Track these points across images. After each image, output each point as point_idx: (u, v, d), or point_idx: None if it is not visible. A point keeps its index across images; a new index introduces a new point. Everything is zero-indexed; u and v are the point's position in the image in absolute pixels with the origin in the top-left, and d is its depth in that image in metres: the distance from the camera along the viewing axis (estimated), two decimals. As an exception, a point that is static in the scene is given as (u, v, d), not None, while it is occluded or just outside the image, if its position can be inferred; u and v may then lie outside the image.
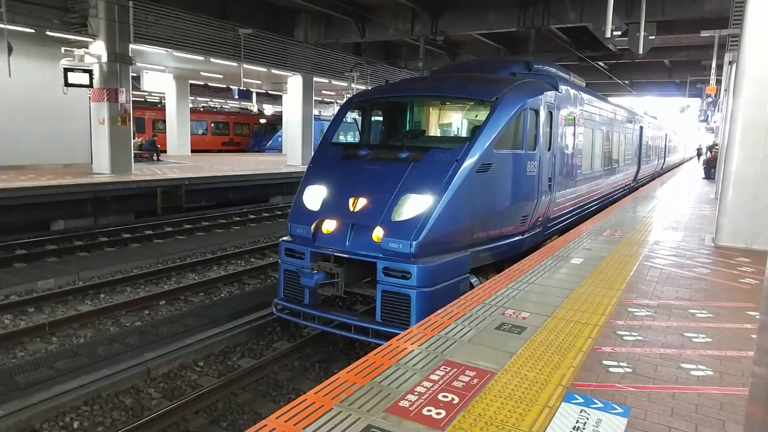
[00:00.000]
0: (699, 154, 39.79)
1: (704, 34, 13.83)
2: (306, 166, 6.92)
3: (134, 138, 18.20)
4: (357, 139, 8.03)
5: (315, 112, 24.19)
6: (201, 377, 5.66)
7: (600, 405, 2.94)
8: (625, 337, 3.95)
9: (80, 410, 4.85)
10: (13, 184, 11.95)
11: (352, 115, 7.86)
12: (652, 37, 8.55)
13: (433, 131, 8.08)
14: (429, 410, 2.80)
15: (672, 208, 11.42)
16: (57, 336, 6.56)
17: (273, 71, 20.24)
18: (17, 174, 14.05)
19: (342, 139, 7.75)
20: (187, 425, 4.74)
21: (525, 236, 7.27)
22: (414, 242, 5.49)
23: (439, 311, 4.39)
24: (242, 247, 11.65)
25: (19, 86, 14.97)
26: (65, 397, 4.87)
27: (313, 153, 7.45)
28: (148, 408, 4.98)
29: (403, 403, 2.87)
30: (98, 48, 14.52)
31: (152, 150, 21.59)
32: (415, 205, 5.73)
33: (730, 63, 14.69)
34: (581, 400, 2.98)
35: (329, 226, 6.04)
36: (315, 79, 22.07)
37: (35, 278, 8.50)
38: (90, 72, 14.19)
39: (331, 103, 38.36)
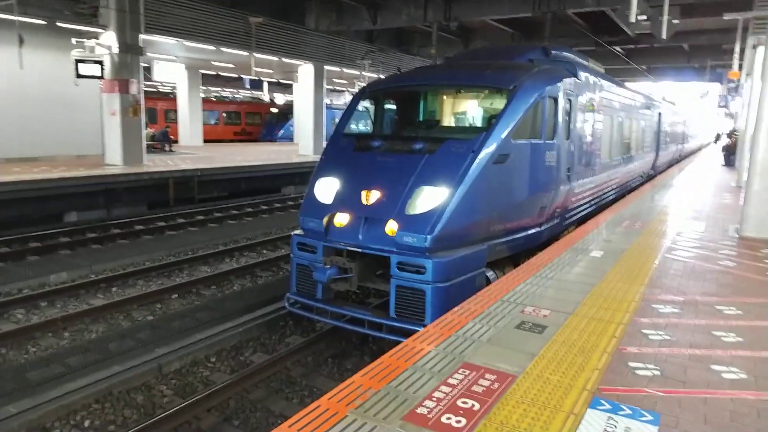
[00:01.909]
0: (717, 140, 38.83)
1: (728, 17, 13.33)
2: (318, 156, 6.78)
3: (146, 129, 18.17)
4: (370, 130, 7.86)
5: (326, 100, 23.97)
6: (213, 373, 5.59)
7: (628, 411, 2.79)
8: (651, 337, 3.78)
9: (91, 408, 4.79)
10: (27, 176, 11.97)
11: (365, 105, 7.68)
12: (676, 21, 8.23)
13: (449, 121, 7.88)
14: (448, 418, 2.67)
15: (692, 197, 11.13)
16: (69, 331, 6.52)
17: (284, 60, 20.05)
18: (30, 166, 14.09)
19: (354, 129, 7.57)
20: (199, 424, 4.67)
21: (542, 228, 7.08)
22: (429, 236, 5.34)
23: (455, 309, 4.25)
24: (254, 238, 11.58)
25: (31, 78, 14.97)
26: (76, 395, 4.82)
27: (324, 143, 7.29)
28: (160, 406, 4.91)
29: (421, 410, 2.74)
30: (109, 39, 14.42)
31: (164, 141, 21.57)
32: (429, 197, 5.57)
33: (754, 47, 14.21)
34: (608, 407, 2.83)
35: (342, 219, 5.91)
36: (326, 67, 21.84)
37: (48, 272, 8.50)
38: (101, 63, 14.12)
39: (343, 91, 38.08)
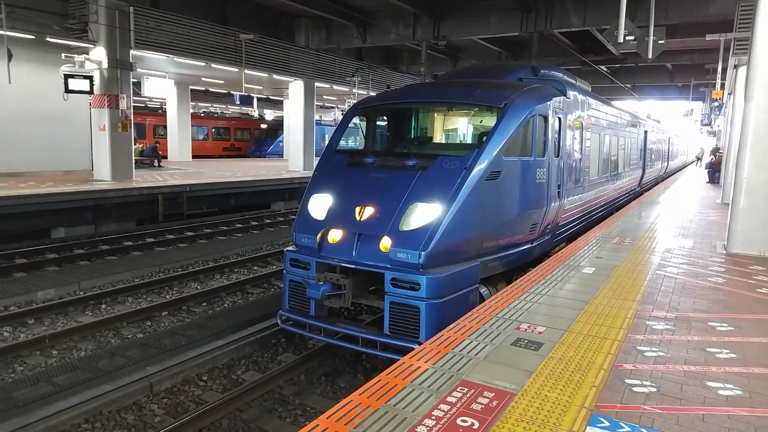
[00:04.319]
0: (699, 159, 39.29)
1: (710, 37, 13.70)
2: (308, 172, 6.81)
3: (135, 144, 18.09)
4: (362, 146, 7.91)
5: (316, 117, 24.05)
6: (205, 392, 5.52)
7: (627, 429, 2.79)
8: (646, 353, 3.81)
9: (81, 428, 4.71)
10: (13, 191, 11.83)
11: (357, 122, 7.73)
12: (662, 42, 8.42)
13: (440, 138, 7.95)
14: (448, 436, 2.66)
15: (678, 214, 11.28)
16: (57, 349, 6.42)
17: (274, 77, 20.14)
18: (17, 181, 13.93)
19: (346, 145, 7.60)
20: (191, 443, 4.59)
21: (534, 244, 7.13)
22: (423, 252, 5.35)
23: (451, 326, 4.25)
24: (245, 254, 11.52)
25: (19, 93, 14.88)
26: (65, 415, 4.73)
27: (314, 159, 7.31)
28: (151, 425, 4.83)
29: (421, 429, 2.72)
30: (99, 54, 14.41)
31: (153, 156, 21.47)
32: (423, 214, 5.60)
33: (735, 67, 14.58)
34: (607, 424, 2.84)
35: (335, 235, 5.90)
36: (316, 84, 21.97)
37: (35, 288, 8.37)
38: (90, 78, 14.09)
39: (332, 108, 38.26)
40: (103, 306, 7.97)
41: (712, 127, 26.03)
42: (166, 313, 7.75)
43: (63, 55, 14.13)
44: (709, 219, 10.80)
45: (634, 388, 3.26)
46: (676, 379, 3.41)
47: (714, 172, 20.59)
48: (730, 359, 3.77)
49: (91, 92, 14.27)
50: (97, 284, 8.96)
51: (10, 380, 5.58)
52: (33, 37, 13.53)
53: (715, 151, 23.43)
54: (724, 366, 3.65)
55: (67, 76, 13.78)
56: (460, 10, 17.99)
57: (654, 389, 3.26)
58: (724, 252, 7.46)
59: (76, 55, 14.20)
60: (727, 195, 12.63)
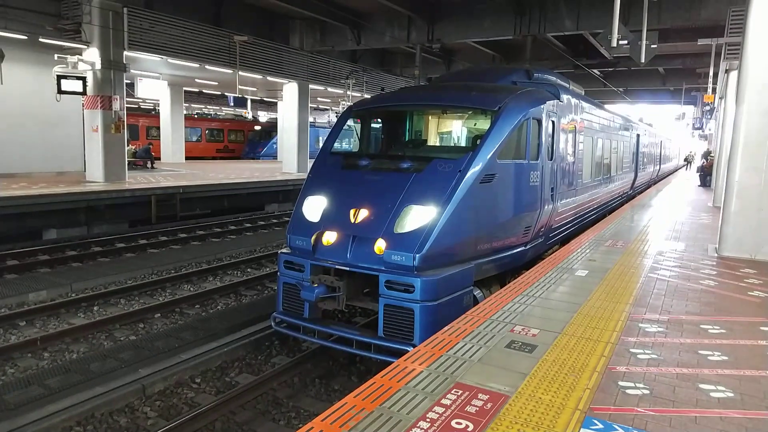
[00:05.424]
0: (688, 162, 39.45)
1: (701, 42, 13.82)
2: (302, 174, 6.81)
3: (128, 145, 18.00)
4: (357, 148, 7.92)
5: (310, 119, 24.03)
6: (198, 395, 5.49)
7: (620, 431, 2.81)
8: (639, 356, 3.83)
9: (72, 431, 4.67)
10: (5, 192, 11.74)
11: (351, 124, 7.74)
12: (654, 46, 8.50)
13: (435, 141, 7.98)
14: (443, 439, 2.66)
15: (670, 217, 11.36)
16: (49, 351, 6.37)
17: (268, 78, 20.12)
18: (9, 182, 13.83)
19: (340, 147, 7.62)
20: (184, 446, 4.57)
21: (528, 247, 7.16)
22: (417, 255, 5.36)
23: (445, 328, 4.26)
24: (238, 256, 11.48)
25: (12, 93, 14.79)
26: (57, 418, 4.69)
27: (308, 161, 7.30)
28: (144, 428, 4.80)
29: None
30: (92, 55, 14.34)
31: (146, 158, 21.38)
32: (417, 216, 5.60)
33: (727, 71, 14.72)
34: (601, 426, 2.85)
35: (330, 237, 5.90)
36: (310, 86, 21.97)
37: (27, 290, 8.31)
38: (83, 79, 14.02)
39: (326, 110, 38.25)
40: (95, 308, 7.92)
41: (703, 131, 26.25)
42: (159, 315, 7.71)
43: (56, 55, 14.05)
44: (701, 222, 10.88)
45: (628, 391, 3.28)
46: (668, 382, 3.43)
47: (705, 175, 20.75)
48: (722, 362, 3.80)
49: (84, 93, 14.20)
50: (90, 286, 8.91)
51: (1, 383, 5.53)
52: (26, 37, 13.44)
53: (707, 154, 23.60)
54: (716, 368, 3.68)
55: (59, 77, 13.70)
56: (455, 13, 18.05)
57: (647, 391, 3.28)
58: (716, 255, 7.52)
59: (69, 56, 14.11)
60: (718, 198, 12.73)
